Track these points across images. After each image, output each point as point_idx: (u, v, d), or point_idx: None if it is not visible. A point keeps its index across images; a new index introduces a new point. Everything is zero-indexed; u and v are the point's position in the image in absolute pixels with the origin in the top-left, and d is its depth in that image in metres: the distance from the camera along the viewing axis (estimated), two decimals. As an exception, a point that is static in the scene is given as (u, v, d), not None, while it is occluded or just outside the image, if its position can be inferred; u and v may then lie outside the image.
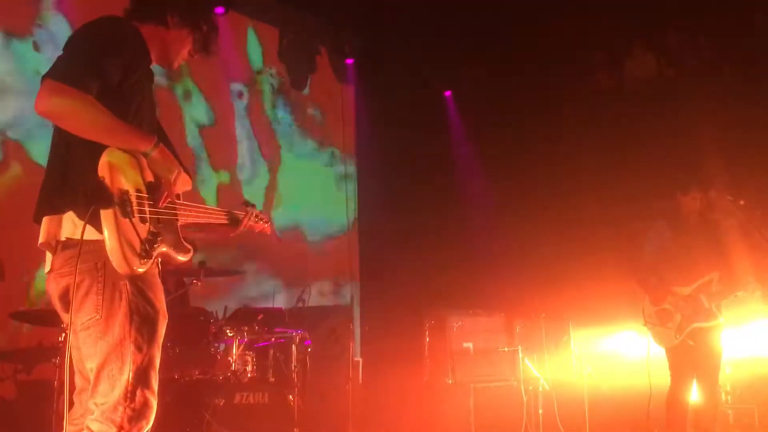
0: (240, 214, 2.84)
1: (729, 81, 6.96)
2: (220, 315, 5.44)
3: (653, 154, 6.83)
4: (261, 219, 2.96)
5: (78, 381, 2.44)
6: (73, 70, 2.21)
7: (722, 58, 7.06)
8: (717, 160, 5.62)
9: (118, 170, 2.22)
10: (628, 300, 5.71)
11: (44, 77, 2.21)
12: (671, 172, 5.25)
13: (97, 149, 2.22)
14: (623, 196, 6.84)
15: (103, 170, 2.19)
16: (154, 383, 2.30)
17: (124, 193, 2.21)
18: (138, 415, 2.23)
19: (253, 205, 2.93)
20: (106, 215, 2.17)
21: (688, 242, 4.83)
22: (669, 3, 7.03)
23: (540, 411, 5.72)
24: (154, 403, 2.29)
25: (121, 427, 2.21)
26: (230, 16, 7.24)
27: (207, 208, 2.75)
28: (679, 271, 4.79)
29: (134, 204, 2.23)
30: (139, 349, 2.25)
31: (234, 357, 4.75)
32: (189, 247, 2.50)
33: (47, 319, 4.50)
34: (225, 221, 2.77)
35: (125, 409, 2.21)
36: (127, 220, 2.19)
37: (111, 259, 2.18)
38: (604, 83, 7.83)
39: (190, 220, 2.61)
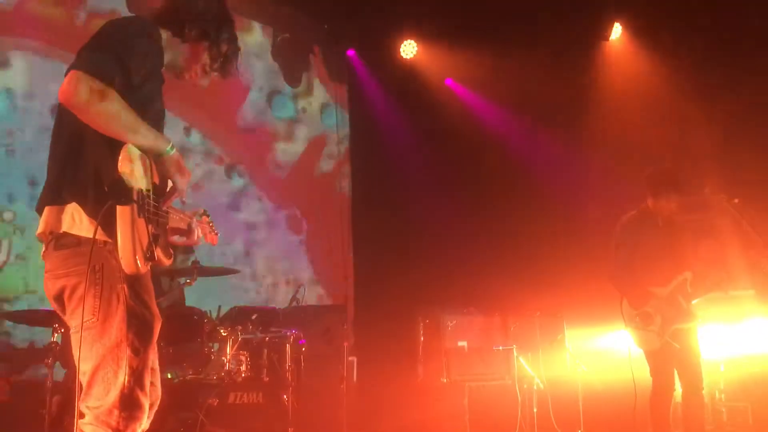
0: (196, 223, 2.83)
1: (720, 79, 6.97)
2: (214, 314, 5.42)
3: (649, 151, 6.83)
4: (213, 230, 2.98)
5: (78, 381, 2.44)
6: (101, 64, 2.20)
7: (714, 53, 7.07)
8: (710, 156, 5.64)
9: (137, 169, 2.22)
10: (621, 298, 5.72)
11: (70, 68, 2.20)
12: (667, 171, 5.23)
13: (114, 145, 2.21)
14: (618, 194, 6.84)
15: (124, 166, 2.18)
16: (147, 385, 2.29)
17: (142, 192, 2.22)
18: (133, 417, 2.23)
19: (208, 215, 2.94)
20: (122, 212, 2.16)
21: (662, 244, 4.83)
22: (662, 1, 7.05)
23: (535, 409, 5.72)
24: (146, 404, 2.28)
25: (117, 430, 2.20)
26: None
27: (184, 213, 2.75)
28: (655, 272, 4.78)
29: (147, 204, 2.24)
30: (135, 352, 2.24)
31: (228, 356, 4.74)
32: (171, 251, 2.51)
33: (39, 319, 4.48)
34: (185, 228, 2.75)
35: (121, 412, 2.20)
36: (142, 219, 2.20)
37: (121, 255, 2.17)
38: (598, 84, 7.83)
39: (173, 224, 2.61)
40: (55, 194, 2.29)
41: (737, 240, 4.78)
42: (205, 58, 2.62)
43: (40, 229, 2.32)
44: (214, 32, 2.60)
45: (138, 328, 2.25)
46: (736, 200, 4.47)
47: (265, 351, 5.20)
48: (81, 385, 2.29)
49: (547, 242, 7.31)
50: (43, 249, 2.35)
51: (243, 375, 4.83)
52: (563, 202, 7.33)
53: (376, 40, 8.40)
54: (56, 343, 4.24)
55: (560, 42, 7.48)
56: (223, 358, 4.73)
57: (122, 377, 2.20)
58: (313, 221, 8.20)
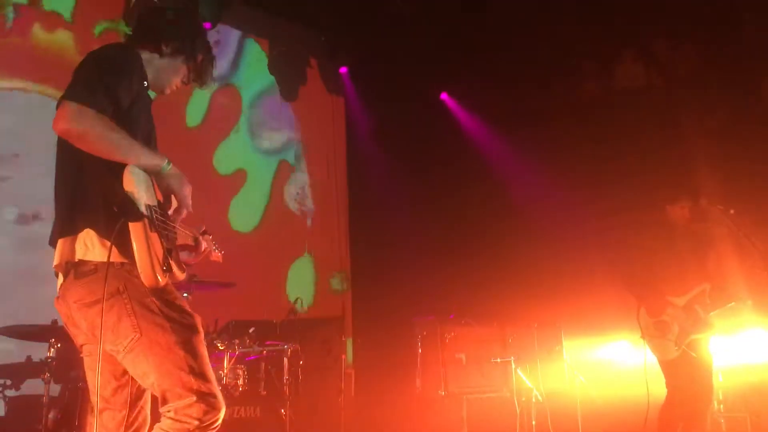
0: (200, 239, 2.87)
1: (717, 89, 7.00)
2: (211, 328, 5.41)
3: (645, 163, 6.85)
4: (216, 248, 3.05)
5: (97, 401, 2.50)
6: (91, 92, 2.27)
7: (710, 66, 7.11)
8: (706, 169, 5.65)
9: (142, 186, 2.28)
10: (620, 309, 5.70)
11: (61, 99, 2.26)
12: (663, 182, 5.25)
13: (115, 167, 2.28)
14: (615, 205, 6.85)
15: (129, 185, 2.25)
16: (211, 376, 2.37)
17: (151, 207, 2.28)
18: (211, 407, 2.30)
19: (209, 234, 2.99)
20: (135, 228, 2.23)
21: (679, 252, 4.82)
22: (658, 12, 7.08)
23: (533, 422, 5.70)
24: (218, 393, 2.36)
25: (200, 420, 2.28)
26: (221, 28, 7.26)
27: (189, 229, 2.76)
28: (672, 281, 4.76)
29: (156, 219, 2.30)
30: (188, 351, 2.32)
31: (225, 370, 4.73)
32: (184, 266, 2.55)
33: (36, 334, 4.47)
34: (192, 243, 2.78)
35: (199, 405, 2.28)
36: (155, 233, 2.26)
37: (140, 269, 2.23)
38: (594, 92, 7.87)
39: (181, 241, 2.66)
40: (67, 225, 2.35)
41: (734, 251, 4.78)
42: (184, 70, 2.70)
43: (56, 261, 2.38)
44: (189, 44, 2.67)
45: (181, 330, 2.33)
46: (732, 211, 4.48)
47: (263, 364, 5.19)
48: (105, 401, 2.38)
49: (544, 253, 7.31)
50: (61, 281, 2.40)
51: (240, 389, 4.81)
52: (560, 214, 7.33)
53: (371, 53, 8.42)
54: (52, 358, 4.22)
55: (554, 53, 7.51)
56: (221, 372, 4.71)
57: (186, 376, 2.29)
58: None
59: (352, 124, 8.83)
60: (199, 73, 2.72)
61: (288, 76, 8.14)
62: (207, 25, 6.88)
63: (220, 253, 3.08)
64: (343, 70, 8.66)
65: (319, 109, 8.62)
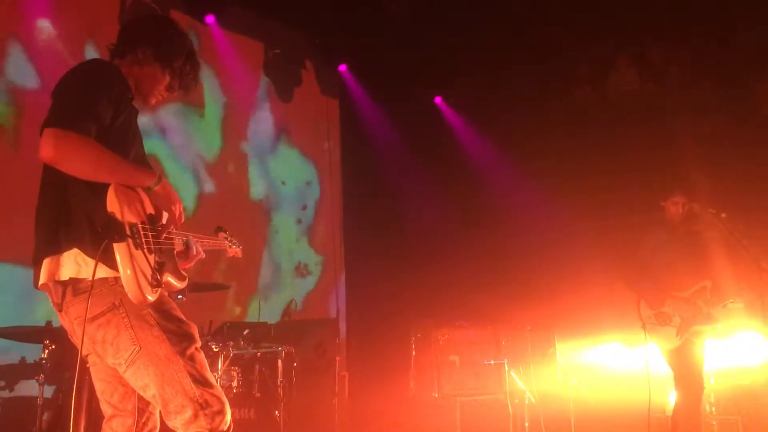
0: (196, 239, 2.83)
1: (710, 94, 7.05)
2: (206, 330, 5.41)
3: (638, 166, 6.89)
4: (233, 243, 3.07)
5: (107, 409, 2.53)
6: (72, 116, 2.26)
7: (703, 71, 7.15)
8: (700, 172, 5.69)
9: (126, 205, 2.28)
10: (613, 312, 5.73)
11: (44, 126, 2.25)
12: (657, 186, 5.29)
13: (98, 188, 2.28)
14: (608, 208, 6.89)
15: (112, 206, 2.26)
16: (211, 379, 2.40)
17: (135, 226, 2.28)
18: (217, 411, 2.34)
19: (225, 230, 3.03)
20: (120, 248, 2.23)
21: (680, 250, 4.86)
22: (651, 18, 7.13)
23: (526, 424, 5.72)
24: (221, 394, 2.39)
25: (210, 428, 2.32)
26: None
27: (186, 234, 2.75)
28: (672, 277, 4.79)
29: (143, 236, 2.30)
30: (187, 359, 2.34)
31: (219, 372, 4.73)
32: (185, 274, 2.56)
33: (29, 335, 4.46)
34: (181, 248, 2.72)
35: (204, 413, 2.32)
36: (140, 251, 2.27)
37: (126, 289, 2.24)
38: (589, 96, 7.91)
39: (179, 248, 2.65)
40: (51, 245, 2.34)
41: (726, 254, 4.82)
42: (166, 78, 2.67)
43: (42, 280, 2.37)
44: (165, 49, 2.64)
45: (179, 340, 2.35)
46: (724, 215, 4.51)
47: (257, 366, 5.19)
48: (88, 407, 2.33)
49: (537, 256, 7.34)
50: (54, 300, 2.38)
51: (234, 391, 4.81)
52: (553, 216, 7.37)
53: (368, 55, 8.44)
54: (47, 359, 4.21)
55: (549, 58, 7.55)
56: (215, 373, 4.71)
57: (187, 385, 2.31)
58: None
59: (348, 124, 8.82)
60: (180, 79, 2.68)
61: (283, 78, 8.15)
62: (209, 18, 6.92)
63: (239, 248, 3.08)
64: (342, 67, 8.66)
65: (314, 111, 8.62)
